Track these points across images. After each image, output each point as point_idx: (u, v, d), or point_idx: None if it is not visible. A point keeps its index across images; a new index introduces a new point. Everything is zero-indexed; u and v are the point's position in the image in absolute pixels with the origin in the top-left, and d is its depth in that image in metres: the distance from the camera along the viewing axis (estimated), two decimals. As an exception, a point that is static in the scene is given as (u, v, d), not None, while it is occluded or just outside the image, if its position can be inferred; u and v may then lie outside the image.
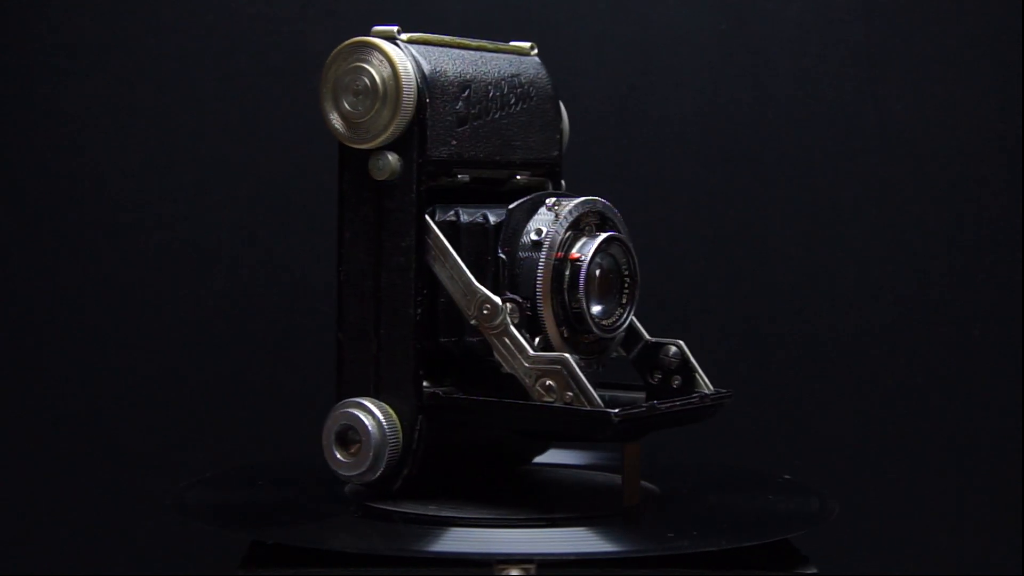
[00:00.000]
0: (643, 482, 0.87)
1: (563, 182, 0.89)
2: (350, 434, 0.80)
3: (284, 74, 1.15)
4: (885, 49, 1.15)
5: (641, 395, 0.83)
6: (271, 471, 0.94)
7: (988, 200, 1.15)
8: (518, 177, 0.86)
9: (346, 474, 0.80)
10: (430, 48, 0.83)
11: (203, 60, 1.15)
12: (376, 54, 0.82)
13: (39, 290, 1.15)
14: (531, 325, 0.78)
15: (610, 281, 0.80)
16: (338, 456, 0.80)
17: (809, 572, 0.73)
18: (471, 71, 0.84)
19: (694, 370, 0.82)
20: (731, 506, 0.83)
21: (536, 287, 0.78)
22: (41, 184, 1.15)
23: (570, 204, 0.79)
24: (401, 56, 0.81)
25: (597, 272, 0.79)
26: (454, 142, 0.83)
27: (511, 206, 0.80)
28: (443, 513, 0.78)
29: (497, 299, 0.78)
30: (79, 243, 1.15)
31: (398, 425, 0.80)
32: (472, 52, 0.85)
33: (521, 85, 0.86)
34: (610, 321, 0.80)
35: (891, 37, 1.15)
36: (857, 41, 1.15)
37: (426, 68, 0.82)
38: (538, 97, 0.87)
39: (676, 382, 0.82)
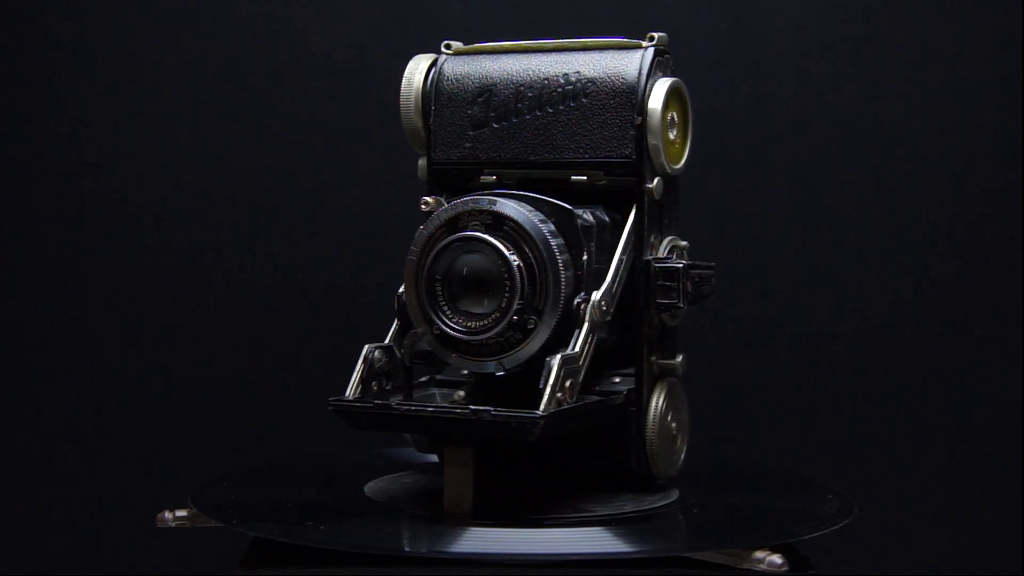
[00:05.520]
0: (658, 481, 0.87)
1: (656, 181, 0.82)
2: None
3: (285, 74, 1.15)
4: (885, 49, 1.15)
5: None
6: (273, 471, 0.94)
7: (988, 200, 1.15)
8: (574, 178, 0.81)
9: None
10: (466, 57, 0.85)
11: (204, 60, 1.15)
12: None
13: (41, 290, 1.15)
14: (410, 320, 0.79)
15: (484, 282, 0.77)
16: None
17: (809, 573, 0.73)
18: (496, 74, 0.83)
19: (544, 387, 0.74)
20: (734, 507, 0.83)
21: (403, 284, 0.79)
22: (42, 184, 1.15)
23: (449, 204, 0.78)
24: (410, 69, 0.84)
25: (449, 272, 0.77)
26: (468, 144, 0.83)
27: None
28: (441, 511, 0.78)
29: (399, 294, 0.80)
30: (80, 243, 1.15)
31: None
32: (513, 55, 0.84)
33: (571, 83, 0.82)
34: (477, 323, 0.77)
35: (891, 37, 1.15)
36: (857, 41, 1.15)
37: (443, 77, 0.83)
38: (599, 94, 0.81)
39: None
